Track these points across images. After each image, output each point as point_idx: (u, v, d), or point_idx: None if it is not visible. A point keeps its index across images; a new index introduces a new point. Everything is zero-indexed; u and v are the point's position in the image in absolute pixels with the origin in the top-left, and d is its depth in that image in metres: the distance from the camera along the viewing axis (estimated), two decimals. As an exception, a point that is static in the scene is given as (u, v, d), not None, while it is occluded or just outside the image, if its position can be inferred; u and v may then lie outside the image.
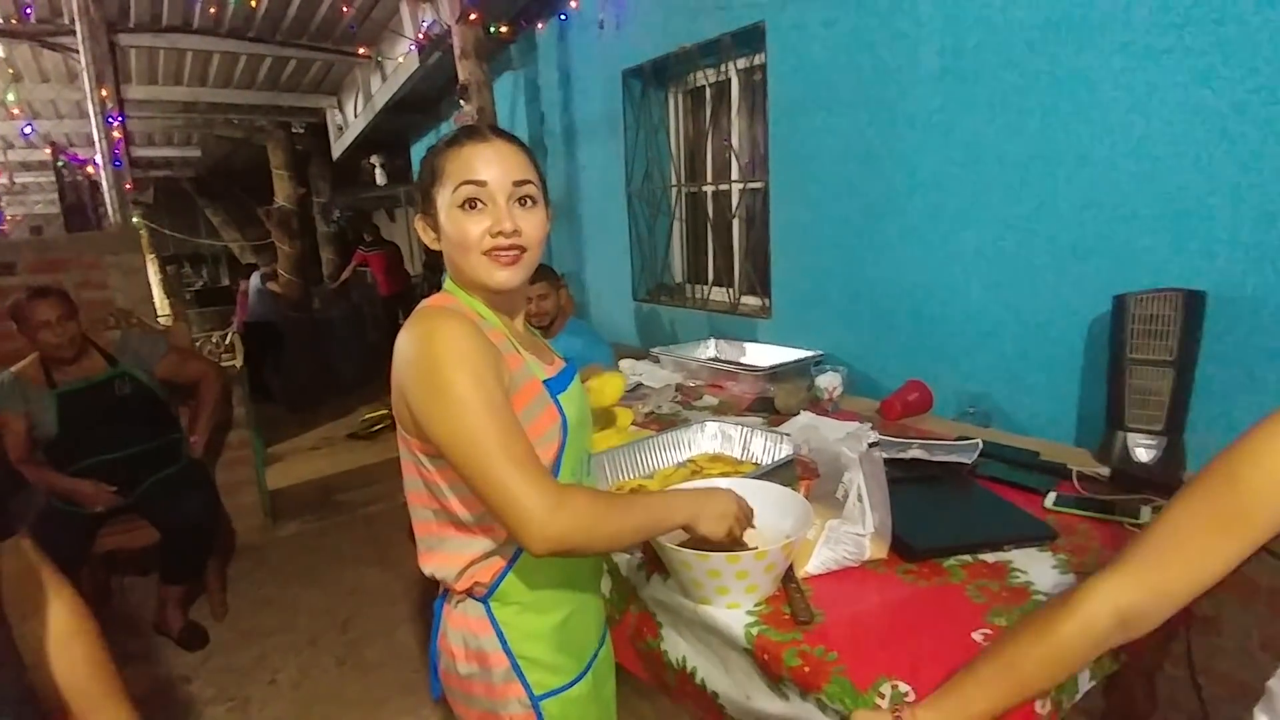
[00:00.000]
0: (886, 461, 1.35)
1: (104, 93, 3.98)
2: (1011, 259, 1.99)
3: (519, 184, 0.99)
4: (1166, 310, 1.57)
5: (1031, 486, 1.52)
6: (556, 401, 1.03)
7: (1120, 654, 1.23)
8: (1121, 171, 1.74)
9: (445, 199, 0.98)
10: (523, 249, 1.00)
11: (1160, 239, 1.69)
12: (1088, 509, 1.41)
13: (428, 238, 1.04)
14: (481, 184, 0.97)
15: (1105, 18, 1.72)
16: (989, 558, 1.26)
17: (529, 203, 1.01)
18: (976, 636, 1.03)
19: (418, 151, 7.62)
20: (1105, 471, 1.59)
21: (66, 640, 0.85)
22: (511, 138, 1.03)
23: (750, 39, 2.80)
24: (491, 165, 0.97)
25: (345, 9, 4.34)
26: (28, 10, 3.99)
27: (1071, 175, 1.83)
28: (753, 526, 1.14)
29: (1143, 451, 1.62)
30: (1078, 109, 1.80)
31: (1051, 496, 1.47)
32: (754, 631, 1.10)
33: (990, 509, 1.43)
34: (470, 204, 0.97)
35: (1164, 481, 1.50)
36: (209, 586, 2.97)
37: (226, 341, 6.75)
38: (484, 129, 1.02)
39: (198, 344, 5.73)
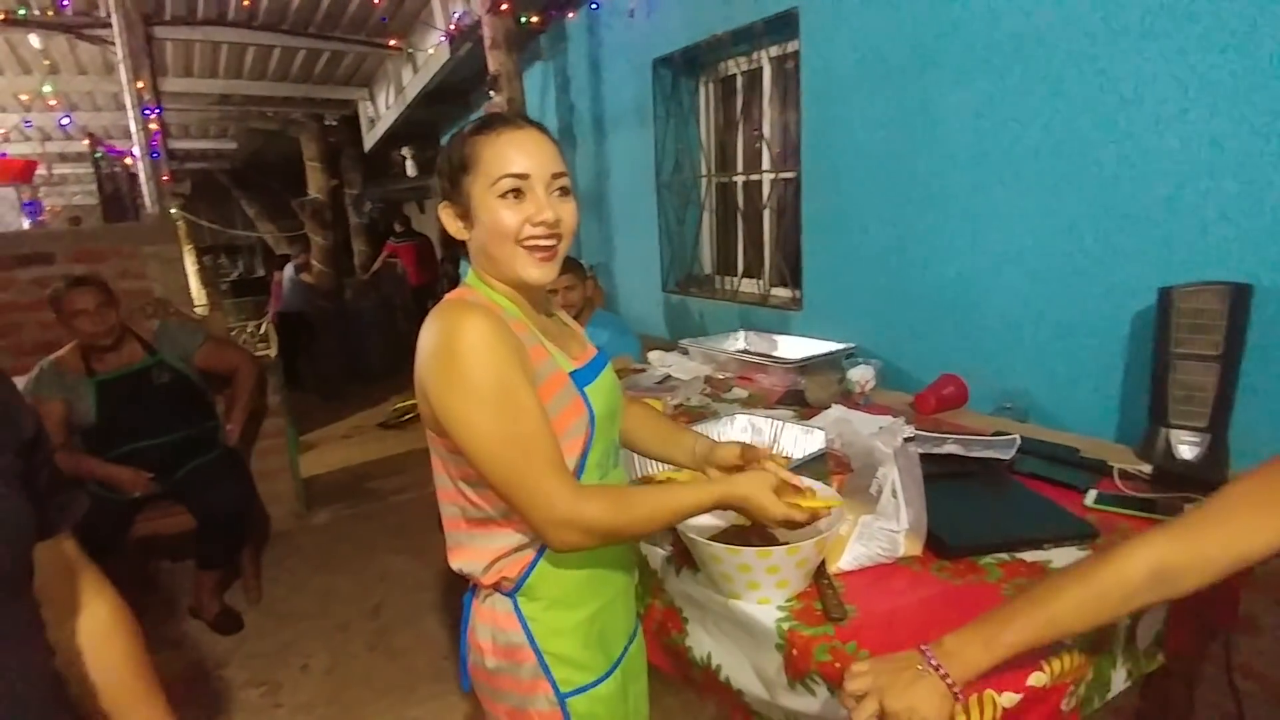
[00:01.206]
0: (921, 457, 1.33)
1: (140, 85, 4.05)
2: (1052, 249, 1.94)
3: (557, 175, 0.98)
4: (1213, 304, 1.52)
5: (1071, 484, 1.48)
6: (584, 394, 1.01)
7: (1159, 653, 1.20)
8: (1168, 161, 1.68)
9: (481, 188, 0.96)
10: (559, 238, 0.99)
11: (1207, 231, 1.63)
12: (1129, 507, 1.37)
13: (454, 227, 1.02)
14: (524, 176, 0.95)
15: (1154, 9, 1.66)
16: (1027, 556, 1.22)
17: (564, 193, 1.00)
18: (1014, 637, 1.01)
19: (447, 143, 7.64)
20: (1147, 469, 1.55)
21: (107, 638, 0.85)
22: (541, 126, 1.02)
23: (783, 26, 2.76)
24: (531, 155, 0.96)
25: (377, 1, 4.37)
26: (64, 2, 4.06)
27: (1116, 164, 1.77)
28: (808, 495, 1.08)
29: (1186, 449, 1.57)
30: (1124, 98, 1.74)
31: (1092, 494, 1.43)
32: (785, 626, 1.08)
33: (1028, 506, 1.39)
34: (512, 194, 0.96)
35: (1207, 479, 1.45)
36: (244, 572, 3.03)
37: (261, 331, 6.87)
38: (515, 117, 1.00)
39: (233, 333, 5.84)
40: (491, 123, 0.98)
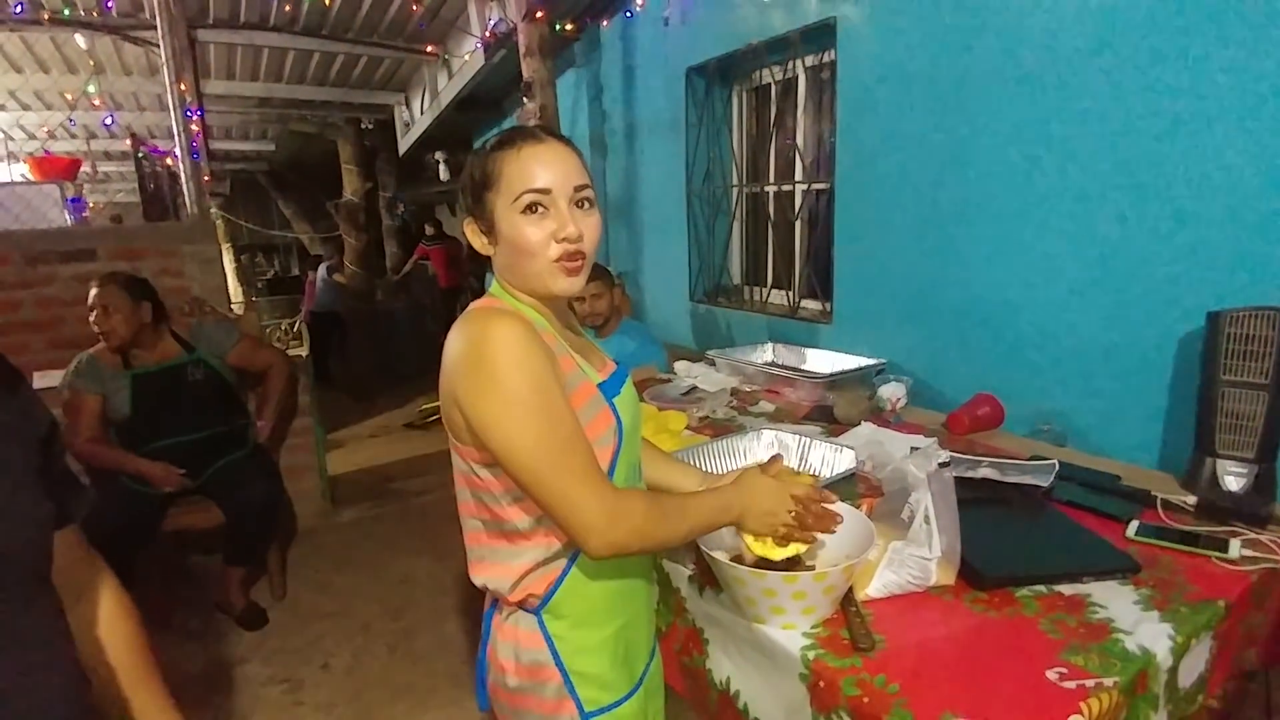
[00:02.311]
0: (955, 481, 1.29)
1: (183, 87, 4.11)
2: (1096, 268, 1.89)
3: (579, 188, 0.97)
4: (1264, 330, 1.46)
5: (1112, 513, 1.43)
6: (612, 405, 1.01)
7: (1200, 694, 1.15)
8: (1219, 180, 1.62)
9: (504, 204, 0.96)
10: (584, 254, 0.97)
11: (1259, 253, 1.58)
12: (1172, 540, 1.32)
13: (479, 242, 1.01)
14: (545, 191, 0.94)
15: (1199, 26, 1.61)
16: (1065, 589, 1.18)
17: (587, 205, 0.99)
18: (1051, 675, 0.97)
19: (481, 147, 7.71)
20: (1191, 500, 1.49)
21: (113, 621, 0.90)
22: (564, 139, 1.01)
23: (820, 36, 2.73)
24: (551, 169, 0.95)
25: (415, 7, 4.41)
26: (109, 4, 4.15)
27: (1165, 182, 1.72)
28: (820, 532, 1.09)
29: (1232, 480, 1.51)
30: (1174, 114, 1.69)
31: (1134, 525, 1.37)
32: (810, 655, 1.05)
33: (1067, 536, 1.35)
34: (532, 209, 0.95)
35: (1253, 513, 1.40)
36: (270, 568, 3.05)
37: (294, 330, 6.97)
38: (537, 130, 0.99)
39: (268, 331, 5.93)
40: (512, 138, 0.98)
